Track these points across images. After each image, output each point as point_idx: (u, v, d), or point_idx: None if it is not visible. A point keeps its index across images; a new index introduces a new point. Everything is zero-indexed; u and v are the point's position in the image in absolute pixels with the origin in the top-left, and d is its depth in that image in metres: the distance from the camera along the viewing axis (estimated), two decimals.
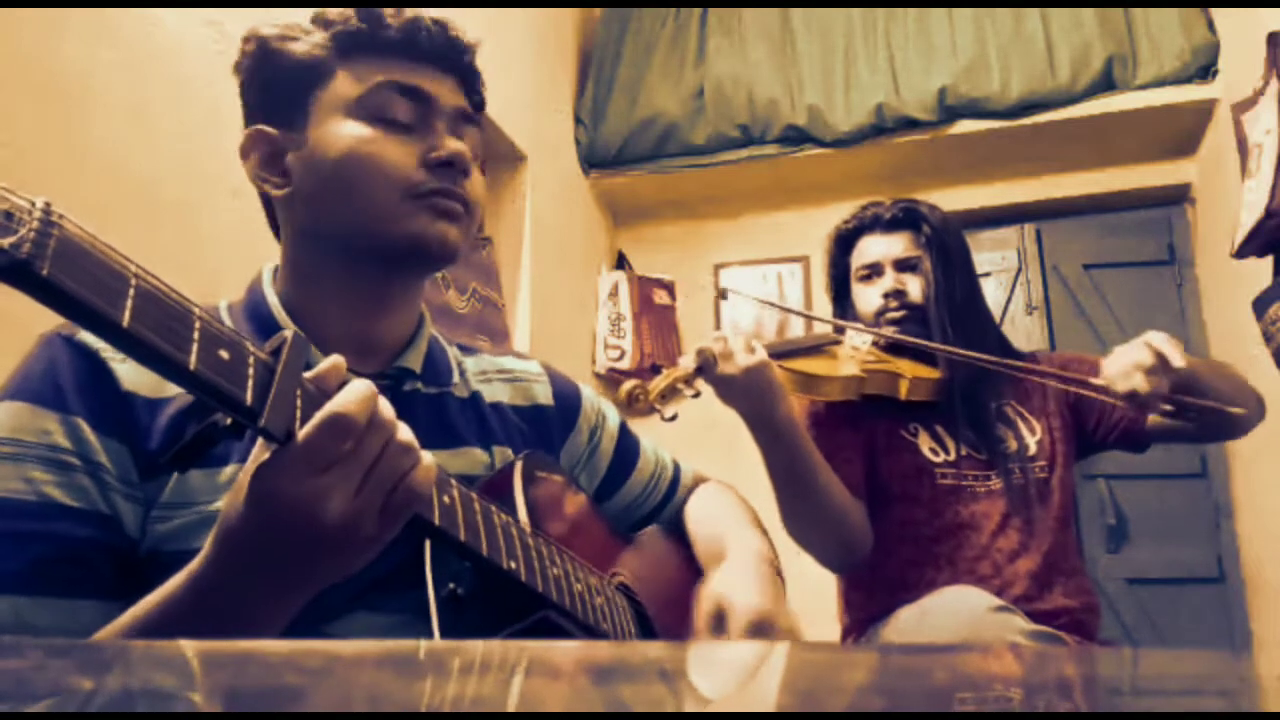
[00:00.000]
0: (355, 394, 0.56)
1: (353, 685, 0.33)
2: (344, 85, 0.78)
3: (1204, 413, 1.31)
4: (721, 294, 1.64)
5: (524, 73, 2.89)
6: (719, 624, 0.82)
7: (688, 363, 1.23)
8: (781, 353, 1.37)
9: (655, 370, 1.23)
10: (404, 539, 0.62)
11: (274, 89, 0.80)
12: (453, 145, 0.78)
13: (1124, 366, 1.26)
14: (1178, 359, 1.24)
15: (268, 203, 0.85)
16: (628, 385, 1.17)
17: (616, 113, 3.26)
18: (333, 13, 0.80)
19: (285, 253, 0.83)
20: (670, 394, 1.21)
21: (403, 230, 0.77)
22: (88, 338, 0.71)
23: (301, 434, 0.55)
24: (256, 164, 0.80)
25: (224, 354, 0.52)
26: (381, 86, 0.78)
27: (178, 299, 0.51)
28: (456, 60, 0.82)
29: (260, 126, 0.80)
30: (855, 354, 1.46)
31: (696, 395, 1.25)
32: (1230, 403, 1.35)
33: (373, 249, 0.78)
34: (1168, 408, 1.29)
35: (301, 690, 0.31)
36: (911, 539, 1.41)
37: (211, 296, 0.83)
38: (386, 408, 0.58)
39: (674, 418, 1.20)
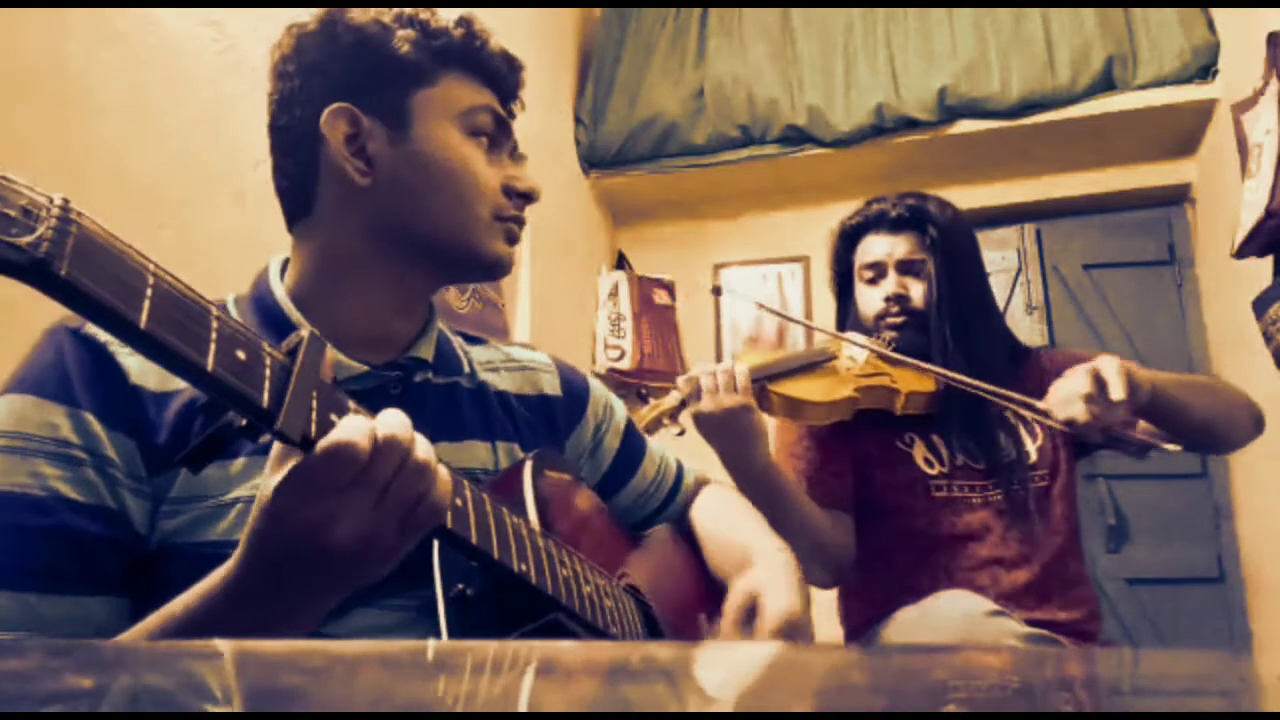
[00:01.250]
0: (359, 422, 0.55)
1: (354, 685, 0.33)
2: (450, 94, 0.81)
3: (1142, 446, 1.27)
4: (715, 290, 1.63)
5: (524, 73, 2.89)
6: (749, 619, 0.84)
7: (673, 396, 1.23)
8: (773, 374, 1.34)
9: (644, 400, 1.24)
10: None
11: (371, 73, 0.79)
12: (532, 180, 0.85)
13: (1066, 393, 1.22)
14: (1118, 390, 1.19)
15: (301, 183, 0.81)
16: None
17: (616, 113, 3.26)
18: (427, 18, 0.81)
19: (318, 239, 0.81)
20: (655, 427, 1.22)
21: (486, 246, 0.82)
22: (95, 330, 0.70)
23: (312, 455, 0.54)
24: (342, 142, 0.78)
25: (241, 354, 0.51)
26: (484, 109, 0.82)
27: (195, 298, 0.50)
28: (516, 99, 0.88)
29: (348, 105, 0.78)
30: (852, 366, 1.42)
31: (681, 433, 1.26)
32: (1201, 426, 1.31)
33: (451, 255, 0.81)
34: (1102, 438, 1.25)
35: (302, 690, 0.31)
36: (909, 549, 1.40)
37: (210, 296, 0.83)
38: (401, 427, 0.57)
39: None
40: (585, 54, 3.42)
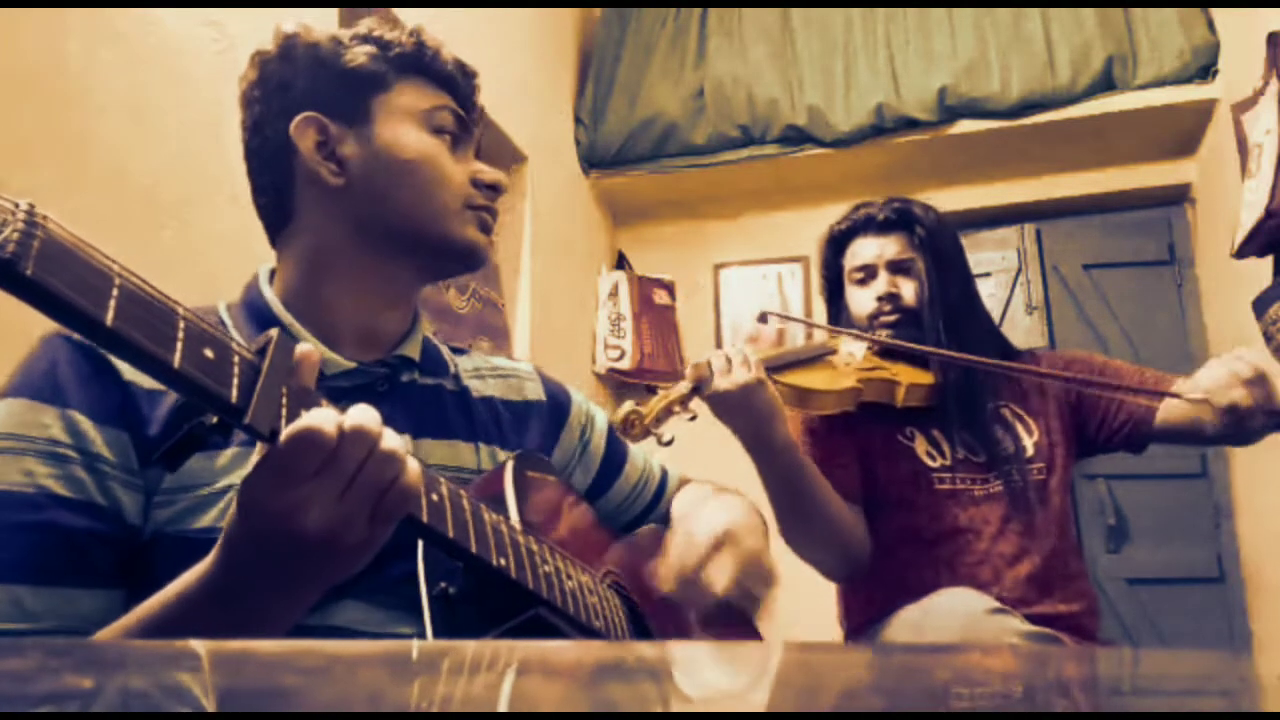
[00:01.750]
0: (326, 412, 0.56)
1: (351, 685, 0.33)
2: (408, 97, 0.85)
3: None
4: (761, 318, 1.63)
5: (524, 73, 2.89)
6: (687, 543, 0.84)
7: (684, 384, 1.23)
8: (777, 366, 1.35)
9: (652, 390, 1.23)
10: (394, 535, 0.63)
11: (333, 85, 0.83)
12: (497, 173, 0.89)
13: (1222, 379, 1.22)
14: (1278, 374, 1.21)
15: (279, 196, 0.85)
16: (623, 410, 1.16)
17: (616, 113, 3.26)
18: (381, 32, 0.85)
19: (302, 244, 0.84)
20: (666, 416, 1.20)
21: (460, 233, 0.85)
22: None
23: (278, 445, 0.55)
24: (312, 148, 0.82)
25: (209, 352, 0.52)
26: (444, 108, 0.86)
27: (162, 298, 0.51)
28: (473, 104, 0.91)
29: (314, 114, 0.82)
30: (851, 361, 1.45)
31: (693, 418, 1.25)
32: None
33: (427, 245, 0.84)
34: (1268, 421, 1.23)
35: (299, 690, 0.31)
36: (911, 543, 1.41)
37: (210, 297, 0.84)
38: (370, 418, 0.58)
39: (670, 442, 1.19)
40: (585, 54, 3.42)
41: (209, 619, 0.60)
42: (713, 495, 1.02)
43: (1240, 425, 1.25)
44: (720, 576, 0.81)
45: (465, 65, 0.90)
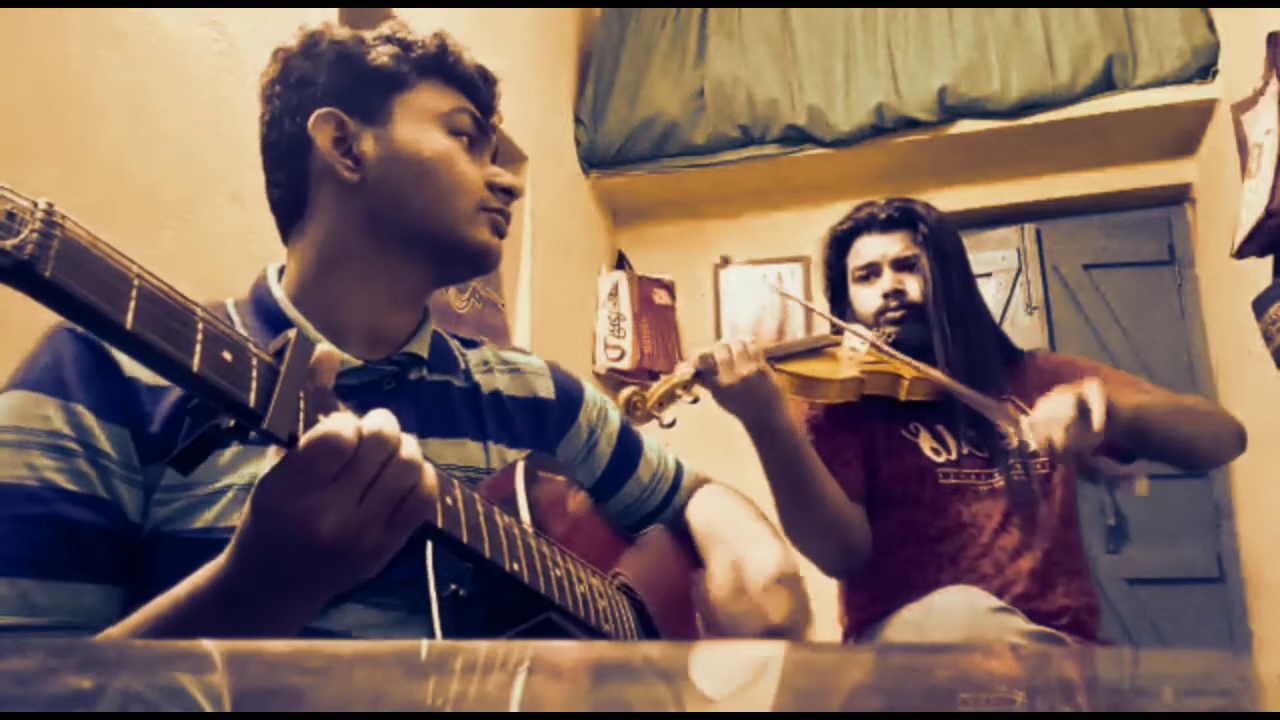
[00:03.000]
0: (345, 417, 0.56)
1: (354, 685, 0.33)
2: (429, 97, 0.85)
3: (1110, 479, 1.26)
4: (723, 262, 1.63)
5: (524, 73, 2.89)
6: (738, 585, 0.87)
7: (686, 369, 1.24)
8: (781, 355, 1.37)
9: (654, 376, 1.24)
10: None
11: (354, 82, 0.83)
12: (513, 177, 0.89)
13: (1047, 415, 1.23)
14: (1099, 420, 1.19)
15: (293, 190, 0.85)
16: (626, 392, 1.18)
17: (616, 113, 3.26)
18: (405, 34, 0.86)
19: (313, 240, 0.84)
20: (668, 400, 1.22)
21: (473, 235, 0.85)
22: None
23: (296, 449, 0.55)
24: (330, 143, 0.82)
25: (227, 355, 0.52)
26: (463, 111, 0.86)
27: (180, 300, 0.51)
28: (493, 109, 0.92)
29: (333, 110, 0.82)
30: (854, 355, 1.46)
31: (695, 401, 1.26)
32: (1185, 448, 1.35)
33: (440, 246, 0.85)
34: (1074, 463, 1.25)
35: (302, 690, 0.31)
36: (914, 540, 1.41)
37: (211, 297, 0.84)
38: (389, 424, 0.58)
39: (672, 424, 1.20)
40: (585, 54, 3.42)
41: (219, 620, 0.60)
42: (745, 518, 1.02)
43: (1058, 461, 1.30)
44: (777, 610, 0.85)
45: (486, 71, 0.90)
